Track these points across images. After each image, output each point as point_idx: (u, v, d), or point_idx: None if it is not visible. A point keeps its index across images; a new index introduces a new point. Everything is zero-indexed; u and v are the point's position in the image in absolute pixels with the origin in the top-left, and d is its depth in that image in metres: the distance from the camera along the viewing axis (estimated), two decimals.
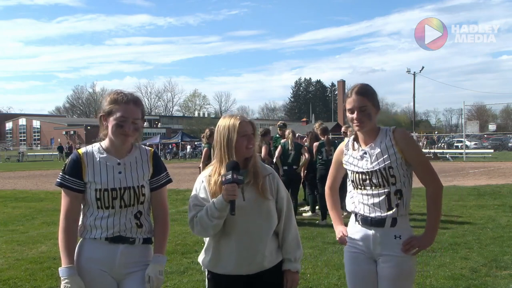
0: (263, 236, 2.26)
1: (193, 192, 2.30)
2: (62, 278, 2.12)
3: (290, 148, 8.11)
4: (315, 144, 8.07)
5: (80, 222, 2.24)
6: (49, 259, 5.64)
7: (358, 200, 2.45)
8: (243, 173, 2.19)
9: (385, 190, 2.35)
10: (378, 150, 2.38)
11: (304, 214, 8.70)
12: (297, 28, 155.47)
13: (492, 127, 48.97)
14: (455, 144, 40.24)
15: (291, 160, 8.10)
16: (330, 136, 8.19)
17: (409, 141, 2.40)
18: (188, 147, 44.32)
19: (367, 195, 2.40)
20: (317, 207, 8.55)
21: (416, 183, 2.47)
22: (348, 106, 2.41)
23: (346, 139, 2.62)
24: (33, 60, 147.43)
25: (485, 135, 46.47)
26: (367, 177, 2.39)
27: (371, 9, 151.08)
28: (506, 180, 14.99)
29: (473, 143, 40.95)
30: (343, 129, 9.25)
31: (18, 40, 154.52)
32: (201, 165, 8.21)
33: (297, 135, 9.15)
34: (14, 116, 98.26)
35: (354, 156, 2.48)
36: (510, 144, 43.20)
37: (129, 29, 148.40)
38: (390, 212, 2.35)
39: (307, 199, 9.16)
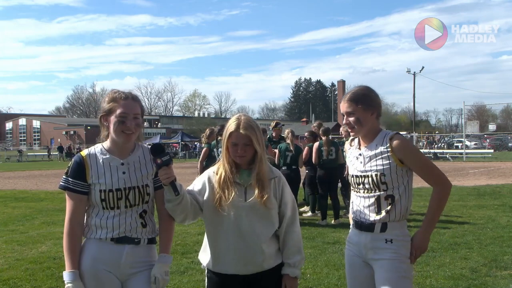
0: (261, 237, 2.24)
1: (194, 182, 2.35)
2: (66, 282, 2.13)
3: (291, 148, 8.11)
4: (315, 144, 8.07)
5: (84, 222, 2.24)
6: (49, 259, 5.64)
7: (354, 202, 2.47)
8: (168, 153, 2.16)
9: (375, 194, 2.34)
10: (372, 153, 2.36)
11: (304, 214, 8.69)
12: (297, 28, 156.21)
13: (492, 127, 48.98)
14: (455, 144, 40.22)
15: (289, 161, 8.10)
16: (330, 137, 8.17)
17: (405, 148, 2.32)
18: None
19: (360, 197, 2.41)
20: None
21: (416, 183, 2.46)
22: (341, 110, 2.48)
23: (351, 138, 2.59)
24: (34, 60, 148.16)
25: (485, 135, 46.47)
26: (360, 180, 2.39)
27: (371, 9, 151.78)
28: (506, 180, 15.00)
29: (473, 143, 40.95)
30: (341, 129, 9.26)
31: (19, 40, 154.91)
32: (199, 165, 8.19)
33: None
34: (14, 116, 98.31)
35: (353, 155, 2.48)
36: (510, 144, 43.24)
37: (130, 29, 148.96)
38: (379, 216, 2.33)
39: (307, 199, 9.17)
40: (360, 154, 2.42)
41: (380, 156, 2.33)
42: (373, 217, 2.35)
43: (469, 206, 9.48)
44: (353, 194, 2.49)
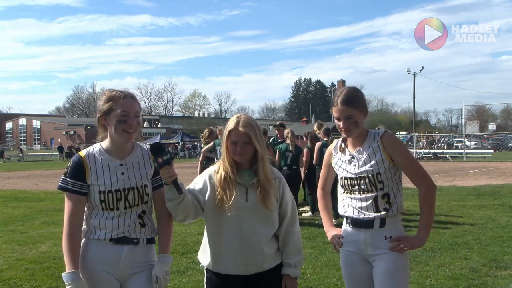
0: (261, 238, 2.24)
1: (194, 180, 2.33)
2: (66, 283, 2.09)
3: (290, 148, 8.11)
4: (317, 144, 8.06)
5: (83, 223, 2.22)
6: (49, 259, 5.64)
7: (347, 203, 2.46)
8: (169, 151, 2.13)
9: (373, 194, 2.35)
10: (365, 155, 2.37)
11: (304, 214, 8.69)
12: (298, 28, 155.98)
13: (492, 127, 48.99)
14: (455, 144, 40.21)
15: (290, 161, 8.10)
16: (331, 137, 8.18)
17: (396, 145, 2.37)
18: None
19: (355, 199, 2.41)
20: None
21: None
22: (334, 114, 2.40)
23: (335, 141, 2.60)
24: (34, 60, 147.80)
25: (485, 135, 46.46)
26: (356, 182, 2.39)
27: (371, 9, 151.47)
28: (506, 180, 14.99)
29: (473, 143, 40.94)
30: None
31: (19, 40, 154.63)
32: (199, 165, 8.18)
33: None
34: (14, 116, 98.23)
35: (343, 160, 2.48)
36: (510, 144, 43.26)
37: (130, 29, 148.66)
38: (378, 214, 2.35)
39: (307, 199, 9.17)
40: (353, 157, 2.42)
41: (374, 156, 2.35)
42: (372, 214, 2.36)
43: (469, 206, 9.48)
44: (345, 197, 2.47)
